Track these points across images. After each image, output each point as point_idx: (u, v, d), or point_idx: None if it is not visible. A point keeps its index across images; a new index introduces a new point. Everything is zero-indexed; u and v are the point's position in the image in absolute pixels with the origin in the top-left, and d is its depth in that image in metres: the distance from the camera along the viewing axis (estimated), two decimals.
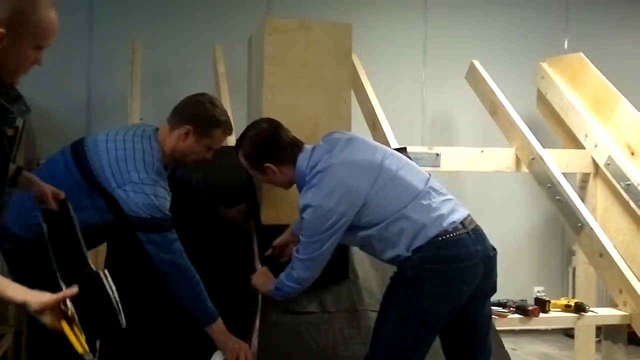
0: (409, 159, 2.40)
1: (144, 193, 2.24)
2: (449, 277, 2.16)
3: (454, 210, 2.23)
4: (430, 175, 2.34)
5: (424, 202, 2.21)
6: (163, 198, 2.28)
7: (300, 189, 2.32)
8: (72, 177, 2.33)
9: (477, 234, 2.23)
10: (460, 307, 2.20)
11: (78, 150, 2.36)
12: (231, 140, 3.61)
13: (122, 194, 2.26)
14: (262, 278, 2.47)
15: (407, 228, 2.17)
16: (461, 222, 2.21)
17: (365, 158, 2.27)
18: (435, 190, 2.26)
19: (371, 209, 2.20)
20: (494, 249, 2.28)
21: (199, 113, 2.39)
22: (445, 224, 2.18)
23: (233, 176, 3.12)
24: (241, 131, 3.54)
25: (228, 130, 2.47)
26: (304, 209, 2.23)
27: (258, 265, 2.61)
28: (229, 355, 2.29)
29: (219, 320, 2.33)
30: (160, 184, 2.29)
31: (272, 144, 2.36)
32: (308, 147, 2.36)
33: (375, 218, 2.20)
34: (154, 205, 2.25)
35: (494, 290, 2.32)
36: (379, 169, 2.24)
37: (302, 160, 2.32)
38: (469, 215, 2.26)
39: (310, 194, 2.22)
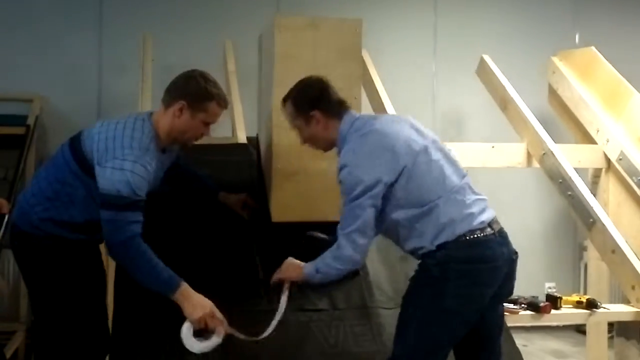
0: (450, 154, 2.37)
1: (121, 169, 2.19)
2: (473, 278, 2.14)
3: (484, 210, 2.22)
4: (466, 172, 2.32)
5: (458, 197, 2.19)
6: (139, 176, 2.21)
7: (339, 150, 2.31)
8: (69, 168, 2.33)
9: (502, 236, 2.22)
10: (483, 309, 2.19)
11: (75, 141, 2.37)
12: (242, 137, 3.63)
13: (99, 170, 2.23)
14: (290, 268, 2.41)
15: (435, 220, 2.15)
16: (488, 223, 2.20)
17: (410, 136, 2.25)
18: (470, 188, 2.26)
19: (407, 186, 2.17)
20: (516, 253, 2.26)
21: (191, 88, 2.36)
22: (474, 223, 2.17)
23: (243, 174, 3.13)
24: (251, 128, 3.57)
25: (222, 102, 2.41)
26: (341, 168, 2.21)
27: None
28: (197, 325, 2.24)
29: (182, 287, 2.23)
30: (140, 161, 2.23)
31: (322, 93, 2.35)
32: (354, 111, 2.36)
33: (409, 198, 2.17)
34: (127, 181, 2.19)
35: (510, 293, 2.32)
36: (422, 150, 2.22)
37: (347, 119, 2.31)
38: (495, 216, 2.25)
39: (349, 153, 2.21)
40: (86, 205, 2.33)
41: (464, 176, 2.28)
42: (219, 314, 2.26)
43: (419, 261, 2.26)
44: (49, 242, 2.36)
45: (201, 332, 2.26)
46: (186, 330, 2.26)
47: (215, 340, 2.26)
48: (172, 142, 2.43)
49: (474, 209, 2.19)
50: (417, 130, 2.30)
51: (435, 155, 2.24)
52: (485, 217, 2.20)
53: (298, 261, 2.41)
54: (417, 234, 2.18)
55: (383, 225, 2.25)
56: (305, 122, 2.35)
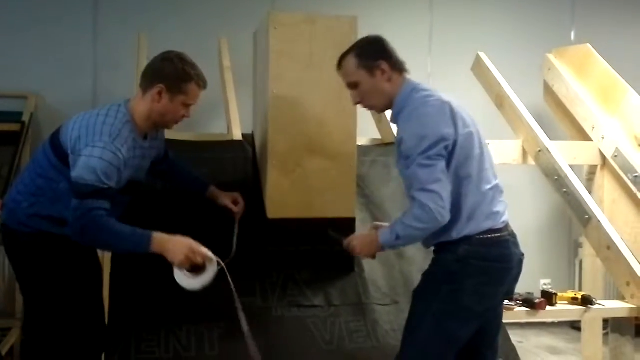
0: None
1: (90, 156, 2.18)
2: (490, 276, 2.15)
3: (505, 211, 2.25)
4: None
5: (490, 194, 2.20)
6: (107, 162, 2.19)
7: (397, 112, 2.23)
8: (50, 162, 2.33)
9: (514, 237, 2.25)
10: (493, 308, 2.22)
11: (54, 136, 2.37)
12: (237, 134, 3.63)
13: (72, 159, 2.23)
14: (363, 244, 2.26)
15: (465, 208, 2.14)
16: (506, 224, 2.23)
17: (465, 116, 2.23)
18: (500, 189, 2.26)
19: (455, 160, 2.12)
20: (523, 254, 2.28)
21: (168, 70, 2.33)
22: (498, 222, 2.19)
23: (239, 171, 3.13)
24: (248, 124, 3.56)
25: (201, 82, 2.38)
26: (404, 126, 2.15)
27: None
28: (184, 267, 2.22)
29: (154, 240, 2.19)
30: (110, 147, 2.21)
31: (388, 47, 2.29)
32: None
33: (454, 173, 2.12)
34: (93, 168, 2.17)
35: (512, 293, 2.34)
36: (473, 133, 2.20)
37: (409, 83, 2.25)
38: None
39: (413, 112, 2.15)
40: (71, 199, 2.29)
41: (496, 176, 2.28)
42: (201, 248, 2.23)
43: (433, 256, 2.25)
44: (37, 239, 2.36)
45: (195, 269, 2.24)
46: (178, 274, 2.24)
47: (210, 272, 2.25)
48: (152, 126, 2.40)
49: (500, 209, 2.21)
50: (469, 117, 2.28)
51: (481, 145, 2.23)
52: (505, 218, 2.23)
53: (367, 233, 2.30)
54: (450, 218, 2.12)
55: None
56: (369, 73, 2.23)
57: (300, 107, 2.70)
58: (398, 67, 2.26)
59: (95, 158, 2.18)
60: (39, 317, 2.43)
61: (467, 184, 2.15)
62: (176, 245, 2.21)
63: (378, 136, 3.79)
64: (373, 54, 2.25)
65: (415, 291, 2.27)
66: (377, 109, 2.35)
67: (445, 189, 2.07)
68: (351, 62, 2.26)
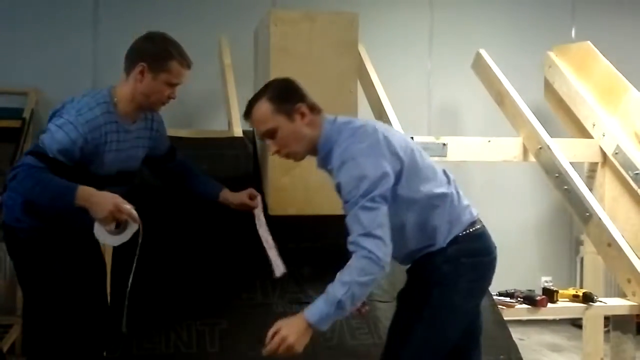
0: None
1: (54, 124, 2.22)
2: (479, 271, 2.11)
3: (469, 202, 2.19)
4: None
5: (453, 191, 2.13)
6: (64, 133, 2.20)
7: (323, 153, 2.09)
8: None
9: (485, 228, 2.18)
10: (477, 305, 2.18)
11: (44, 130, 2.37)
12: (238, 131, 3.63)
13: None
14: (296, 334, 1.94)
15: (444, 215, 2.07)
16: (478, 216, 2.17)
17: (399, 134, 2.15)
18: (455, 182, 2.20)
19: (411, 184, 2.02)
20: (495, 245, 2.22)
21: (150, 48, 2.32)
22: (474, 214, 2.14)
23: (239, 167, 3.13)
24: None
25: (185, 61, 2.34)
26: (338, 169, 1.98)
27: (274, 258, 2.46)
28: (106, 223, 2.19)
29: (79, 190, 2.16)
30: (72, 119, 2.21)
31: (301, 88, 2.14)
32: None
33: (416, 197, 2.03)
34: (51, 135, 2.20)
35: (490, 284, 2.25)
36: (412, 145, 2.11)
37: (326, 121, 2.10)
38: None
39: (344, 152, 1.99)
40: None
41: (444, 170, 2.20)
42: (126, 206, 2.20)
43: (419, 260, 2.14)
44: (36, 234, 2.36)
45: (118, 225, 2.22)
46: (98, 229, 2.22)
47: (130, 231, 2.23)
48: (137, 107, 2.38)
49: (467, 201, 2.17)
50: (398, 132, 2.20)
51: (420, 153, 2.13)
52: (475, 208, 2.18)
53: (289, 321, 1.97)
54: (430, 233, 2.07)
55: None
56: (288, 117, 2.07)
57: None
58: (315, 108, 2.11)
59: (54, 126, 2.22)
60: (40, 314, 2.43)
61: (435, 194, 2.07)
62: (101, 200, 2.17)
63: None
64: (289, 97, 2.10)
65: (401, 293, 2.18)
66: (298, 156, 2.16)
67: (387, 233, 1.94)
68: (264, 107, 2.08)
